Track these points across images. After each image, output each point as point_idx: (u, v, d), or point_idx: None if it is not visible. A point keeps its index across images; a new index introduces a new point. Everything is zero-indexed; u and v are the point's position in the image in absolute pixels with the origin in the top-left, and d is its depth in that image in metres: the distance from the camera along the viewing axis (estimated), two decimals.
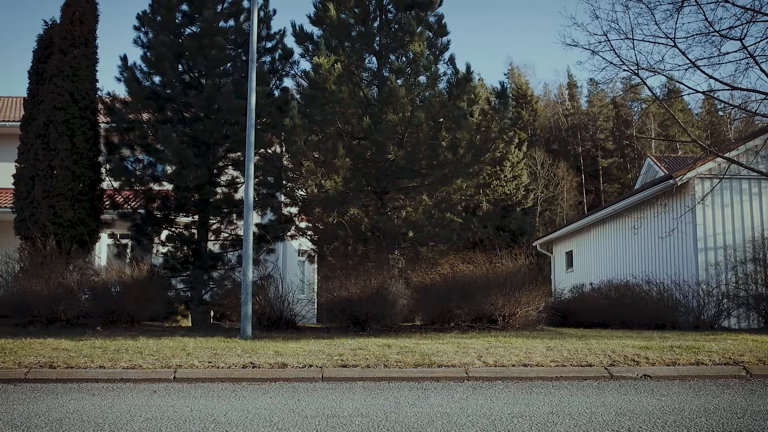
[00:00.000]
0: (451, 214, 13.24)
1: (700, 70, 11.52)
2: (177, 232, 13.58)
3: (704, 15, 11.28)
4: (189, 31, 13.81)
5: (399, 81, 12.58)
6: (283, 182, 13.53)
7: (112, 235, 14.29)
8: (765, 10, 11.00)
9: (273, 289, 10.94)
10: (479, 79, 44.72)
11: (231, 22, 14.04)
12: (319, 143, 12.36)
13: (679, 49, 11.62)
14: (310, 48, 13.49)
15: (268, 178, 13.25)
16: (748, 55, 11.13)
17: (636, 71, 11.78)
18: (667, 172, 17.89)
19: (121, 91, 18.29)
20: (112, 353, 6.18)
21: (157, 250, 13.93)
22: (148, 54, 13.46)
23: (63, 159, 12.00)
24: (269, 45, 14.18)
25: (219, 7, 13.71)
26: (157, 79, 13.63)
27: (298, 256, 17.47)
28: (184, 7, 13.75)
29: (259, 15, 12.16)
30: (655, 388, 4.78)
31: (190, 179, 12.83)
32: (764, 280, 12.15)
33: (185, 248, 13.37)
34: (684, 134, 15.23)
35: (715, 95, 13.01)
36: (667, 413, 3.70)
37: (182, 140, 12.91)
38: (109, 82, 77.27)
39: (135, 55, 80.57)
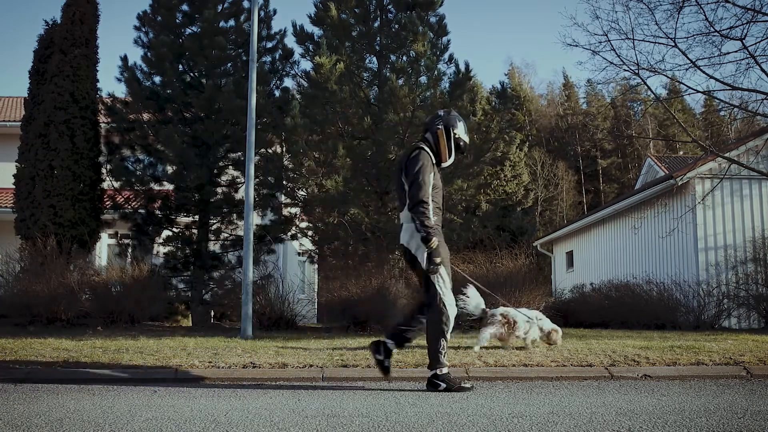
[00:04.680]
0: (452, 214, 13.25)
1: (701, 70, 11.52)
2: (177, 232, 13.58)
3: (705, 15, 11.27)
4: (189, 31, 13.83)
5: (400, 81, 12.60)
6: (284, 182, 13.53)
7: (112, 235, 14.30)
8: (765, 10, 11.00)
9: (273, 289, 10.94)
10: (486, 83, 44.65)
11: (231, 22, 14.06)
12: (319, 143, 12.36)
13: (679, 49, 11.61)
14: (310, 48, 13.51)
15: (269, 178, 13.25)
16: (748, 55, 11.13)
17: (636, 71, 11.78)
18: (667, 172, 17.89)
19: (121, 91, 18.30)
20: (112, 353, 6.18)
21: (158, 250, 13.94)
22: (149, 54, 13.47)
23: (63, 159, 12.00)
24: (270, 45, 14.21)
25: (219, 7, 13.72)
26: (157, 79, 13.64)
27: (299, 256, 17.47)
28: (185, 7, 13.76)
29: (259, 15, 12.15)
30: (655, 388, 4.78)
31: (190, 179, 12.83)
32: (764, 280, 12.15)
33: (186, 248, 13.37)
34: (684, 134, 15.22)
35: (716, 95, 13.02)
36: (668, 413, 3.70)
37: (183, 140, 12.91)
38: (109, 82, 77.30)
39: (135, 55, 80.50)
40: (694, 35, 11.58)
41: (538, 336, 6.34)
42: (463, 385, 4.58)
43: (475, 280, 10.68)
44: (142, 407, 3.94)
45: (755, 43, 15.46)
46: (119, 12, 60.35)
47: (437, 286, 4.50)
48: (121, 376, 5.27)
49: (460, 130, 4.77)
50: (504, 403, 4.12)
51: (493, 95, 14.17)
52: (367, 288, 10.11)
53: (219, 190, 13.49)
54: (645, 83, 12.32)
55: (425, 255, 4.49)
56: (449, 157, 4.76)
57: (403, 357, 5.89)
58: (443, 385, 4.51)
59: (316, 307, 14.24)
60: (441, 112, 4.85)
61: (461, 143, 4.80)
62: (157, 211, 13.45)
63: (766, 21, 11.10)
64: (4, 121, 18.47)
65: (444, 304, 4.51)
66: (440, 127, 4.72)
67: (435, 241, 4.44)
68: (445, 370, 4.55)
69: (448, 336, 4.58)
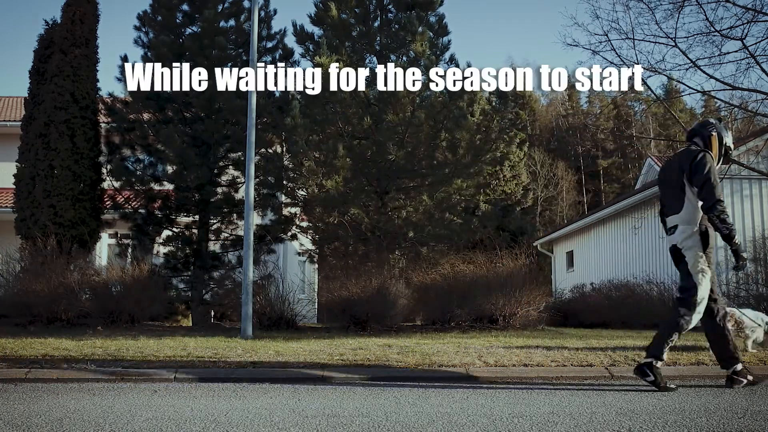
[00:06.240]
0: (452, 214, 13.25)
1: (701, 70, 11.52)
2: (177, 232, 13.58)
3: (705, 15, 11.28)
4: (189, 31, 13.82)
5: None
6: (284, 182, 13.53)
7: (113, 235, 14.29)
8: (766, 10, 11.00)
9: (273, 289, 10.94)
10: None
11: (232, 22, 14.05)
12: (320, 143, 12.36)
13: (679, 49, 11.61)
14: (311, 48, 13.51)
15: (269, 178, 13.25)
16: (748, 55, 11.14)
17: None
18: None
19: (121, 91, 18.29)
20: (112, 353, 6.18)
21: (158, 250, 13.94)
22: (149, 54, 13.46)
23: (64, 159, 11.99)
24: (270, 45, 14.20)
25: (219, 7, 13.71)
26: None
27: (299, 256, 17.47)
28: (185, 6, 13.75)
29: (259, 15, 12.15)
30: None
31: (190, 179, 12.82)
32: (765, 280, 12.14)
33: (186, 248, 13.36)
34: (685, 134, 15.21)
35: (716, 95, 13.01)
36: (668, 413, 3.70)
37: (183, 140, 12.91)
38: (109, 82, 77.18)
39: (135, 55, 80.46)
40: (694, 35, 11.59)
41: (762, 338, 6.39)
42: (668, 385, 4.65)
43: (476, 280, 10.69)
44: (142, 407, 3.94)
45: (755, 43, 15.43)
46: (119, 12, 60.33)
47: (697, 285, 4.75)
48: (121, 376, 5.27)
49: (729, 139, 5.08)
50: (504, 403, 4.12)
51: (493, 95, 14.16)
52: (367, 288, 10.11)
53: (219, 190, 13.49)
54: (645, 83, 12.33)
55: (696, 254, 4.79)
56: (717, 163, 4.99)
57: (403, 357, 5.89)
58: (652, 377, 4.63)
59: (316, 307, 14.23)
60: (713, 120, 5.14)
61: (729, 151, 5.10)
62: (157, 211, 13.44)
63: (766, 21, 11.10)
64: (4, 121, 18.46)
65: (695, 305, 4.73)
66: (714, 133, 5.00)
67: (738, 238, 4.76)
68: (659, 364, 4.69)
69: (683, 333, 4.75)
